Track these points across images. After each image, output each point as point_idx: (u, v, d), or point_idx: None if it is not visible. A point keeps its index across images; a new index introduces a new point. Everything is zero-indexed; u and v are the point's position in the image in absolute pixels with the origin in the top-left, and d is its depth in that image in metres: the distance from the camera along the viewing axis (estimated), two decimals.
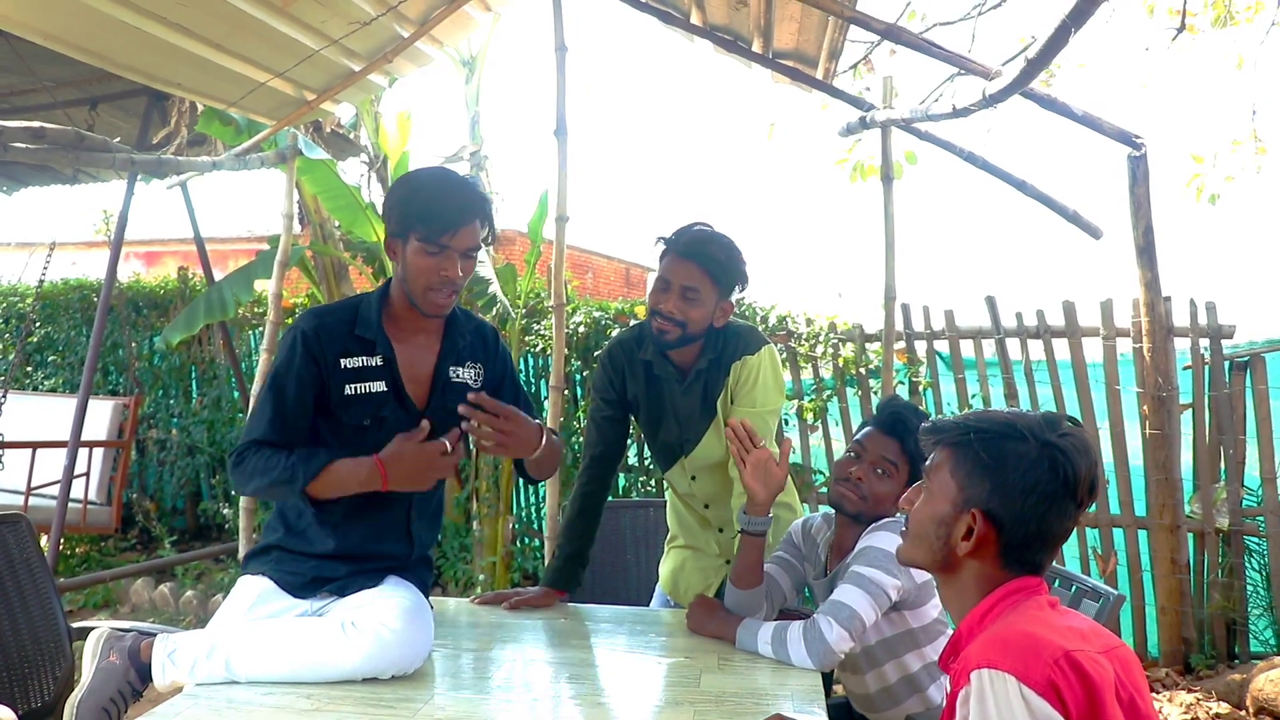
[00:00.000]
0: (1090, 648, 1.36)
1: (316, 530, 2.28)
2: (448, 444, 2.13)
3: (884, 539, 2.25)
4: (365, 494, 2.21)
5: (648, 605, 2.99)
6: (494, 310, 5.70)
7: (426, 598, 2.36)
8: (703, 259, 2.54)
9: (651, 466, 5.75)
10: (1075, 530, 4.80)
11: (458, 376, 2.37)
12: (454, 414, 2.25)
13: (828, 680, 2.41)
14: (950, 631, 2.39)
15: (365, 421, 2.26)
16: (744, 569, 2.42)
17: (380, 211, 2.35)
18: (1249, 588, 4.61)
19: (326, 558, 2.27)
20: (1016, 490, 1.49)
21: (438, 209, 2.18)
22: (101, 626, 2.24)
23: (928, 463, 1.62)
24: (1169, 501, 4.41)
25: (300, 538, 2.30)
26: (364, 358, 2.26)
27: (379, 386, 2.27)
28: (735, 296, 2.67)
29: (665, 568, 2.96)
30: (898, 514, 2.40)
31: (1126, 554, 4.75)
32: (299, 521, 2.31)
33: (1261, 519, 4.55)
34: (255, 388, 4.72)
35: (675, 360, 2.69)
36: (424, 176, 2.30)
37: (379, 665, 2.05)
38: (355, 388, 2.25)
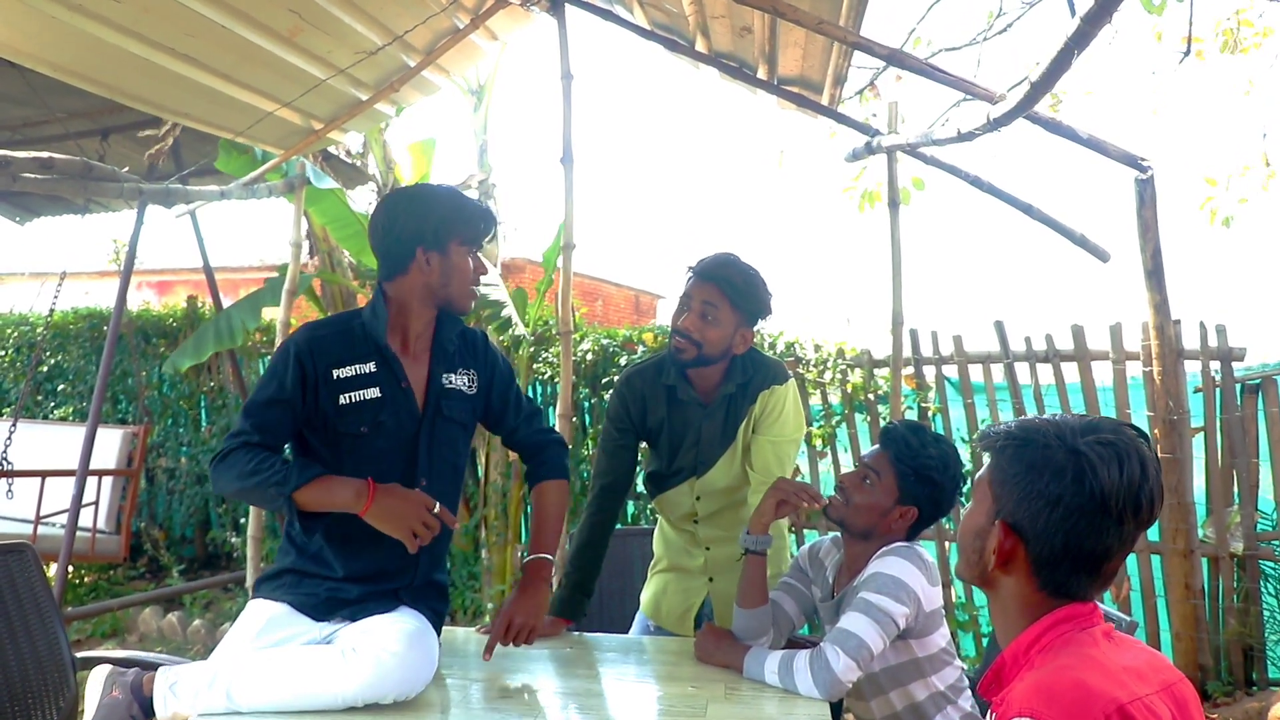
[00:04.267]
0: (1147, 690, 1.28)
1: (328, 552, 2.28)
2: (437, 504, 2.15)
3: (893, 565, 2.24)
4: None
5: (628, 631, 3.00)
6: (508, 333, 5.69)
7: (439, 626, 2.37)
8: (721, 281, 2.61)
9: None
10: None
11: (450, 383, 2.41)
12: (449, 419, 2.37)
13: (837, 709, 2.38)
14: (958, 663, 2.37)
15: (363, 428, 2.27)
16: (748, 588, 2.43)
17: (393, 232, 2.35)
18: (1265, 613, 4.56)
19: (339, 580, 2.28)
20: (1040, 502, 1.37)
21: (476, 214, 2.36)
22: (103, 666, 2.23)
23: (979, 474, 1.52)
24: (1182, 526, 4.37)
25: (314, 560, 2.30)
26: (356, 365, 2.29)
27: (374, 393, 2.28)
28: (757, 326, 2.70)
29: (647, 592, 2.96)
30: (904, 538, 2.39)
31: (1140, 579, 4.71)
32: (310, 545, 2.30)
33: (1277, 543, 4.50)
34: None
35: (697, 386, 2.71)
36: (444, 189, 2.44)
37: (379, 690, 2.04)
38: (349, 396, 2.27)
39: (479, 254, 2.40)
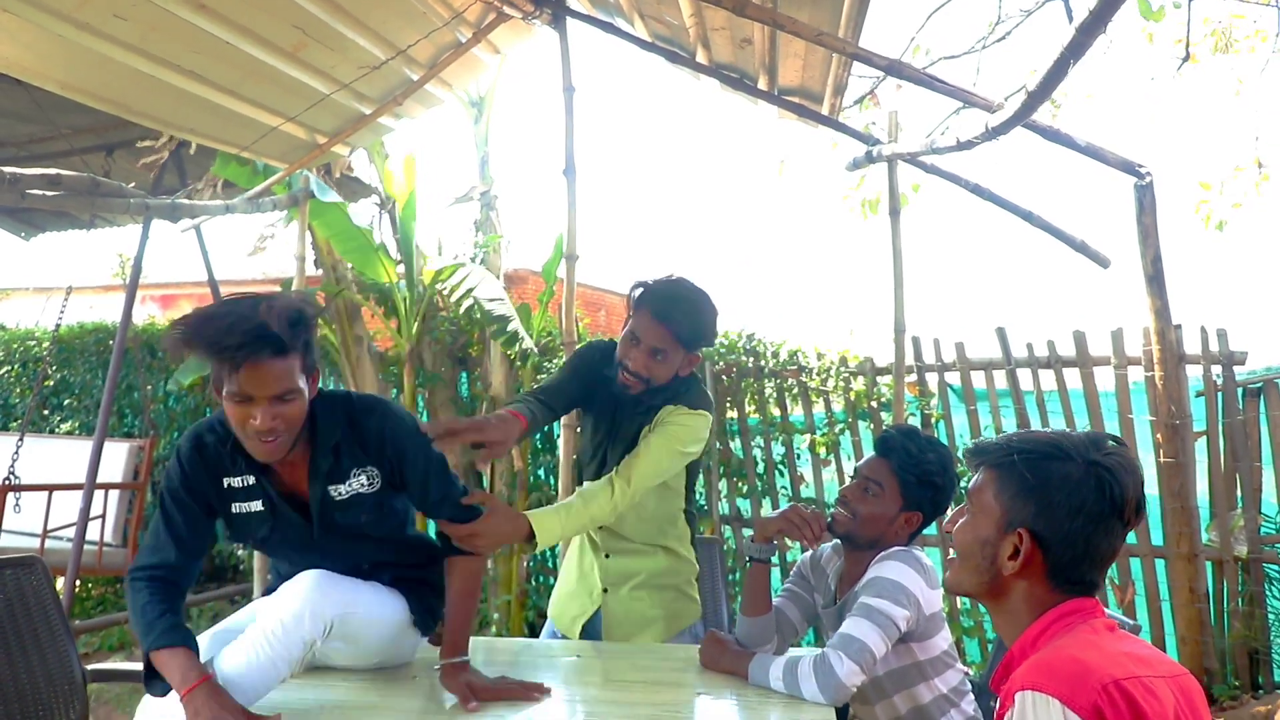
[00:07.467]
0: (1148, 673, 1.35)
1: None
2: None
3: (892, 569, 2.25)
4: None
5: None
6: (515, 348, 5.69)
7: (433, 621, 2.38)
8: (673, 324, 2.58)
9: None
10: None
11: (341, 494, 2.17)
12: (347, 528, 2.19)
13: (843, 714, 2.39)
14: (960, 666, 2.39)
15: (259, 535, 2.20)
16: (751, 596, 2.46)
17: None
18: (1270, 616, 4.55)
19: None
20: (1063, 511, 1.48)
21: (217, 352, 1.90)
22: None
23: (971, 484, 1.61)
24: (1186, 530, 4.38)
25: None
26: (242, 477, 2.14)
27: (257, 506, 2.16)
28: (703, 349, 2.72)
29: (555, 590, 2.96)
30: (905, 542, 2.41)
31: (1144, 584, 4.71)
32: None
33: None
34: None
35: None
36: (204, 313, 1.95)
37: (314, 605, 2.05)
38: (239, 507, 2.16)
39: (260, 402, 1.94)
